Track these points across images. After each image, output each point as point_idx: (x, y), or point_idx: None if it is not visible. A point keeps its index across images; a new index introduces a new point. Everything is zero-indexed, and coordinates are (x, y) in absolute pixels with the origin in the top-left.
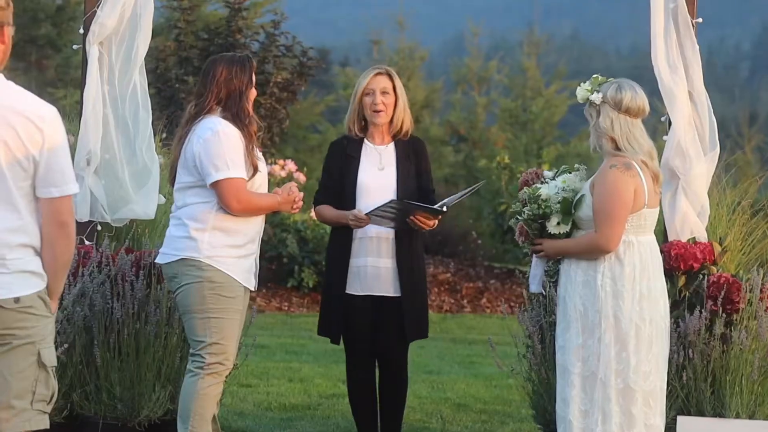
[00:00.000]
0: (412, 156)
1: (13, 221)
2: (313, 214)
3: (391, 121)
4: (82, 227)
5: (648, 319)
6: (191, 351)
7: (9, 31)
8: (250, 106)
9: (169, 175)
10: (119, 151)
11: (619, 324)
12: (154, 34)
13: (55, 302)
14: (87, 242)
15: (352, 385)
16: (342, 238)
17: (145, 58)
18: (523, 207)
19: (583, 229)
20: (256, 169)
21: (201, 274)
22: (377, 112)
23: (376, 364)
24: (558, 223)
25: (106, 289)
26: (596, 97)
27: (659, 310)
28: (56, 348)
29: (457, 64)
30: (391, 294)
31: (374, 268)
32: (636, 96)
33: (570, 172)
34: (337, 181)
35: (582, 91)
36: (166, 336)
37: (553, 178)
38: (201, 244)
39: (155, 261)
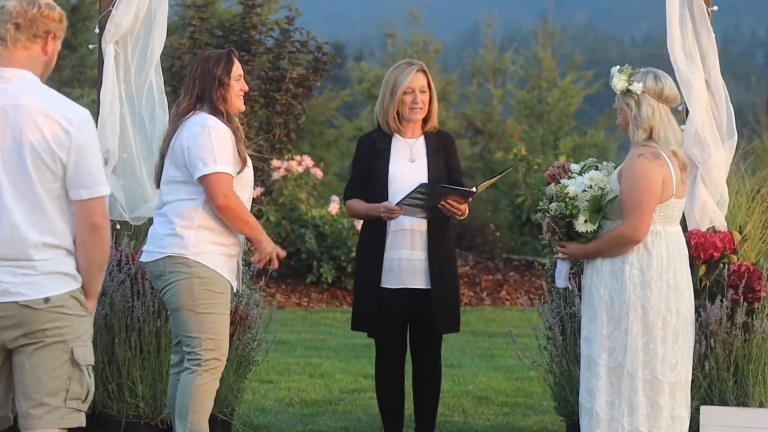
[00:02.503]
0: (441, 150)
1: (40, 222)
2: (331, 209)
3: (426, 116)
4: None
5: (675, 310)
6: (185, 349)
7: (53, 44)
8: (229, 103)
9: (155, 173)
10: (137, 150)
11: (647, 315)
12: (169, 32)
13: (92, 301)
14: None
15: (381, 380)
16: (375, 231)
17: (160, 56)
18: (550, 203)
19: (611, 219)
20: (245, 163)
21: (189, 270)
22: (417, 110)
23: (407, 358)
24: (585, 221)
25: (126, 288)
26: (637, 87)
27: (685, 301)
28: None
29: (472, 56)
30: (423, 287)
31: (408, 260)
32: (672, 85)
33: (596, 168)
34: (367, 174)
35: (620, 81)
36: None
37: (580, 173)
38: (187, 240)
39: (140, 260)
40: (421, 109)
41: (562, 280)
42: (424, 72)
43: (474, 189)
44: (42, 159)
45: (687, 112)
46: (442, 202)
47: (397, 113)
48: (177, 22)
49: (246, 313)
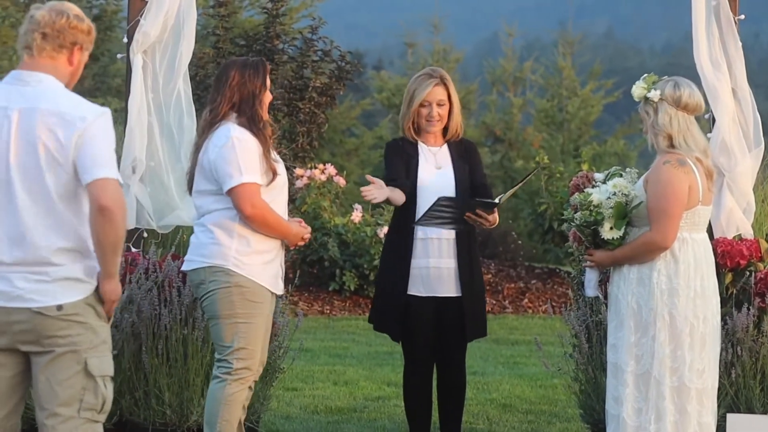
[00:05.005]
0: (465, 156)
1: (54, 226)
2: (354, 217)
3: (446, 126)
4: (128, 234)
5: (702, 317)
6: (217, 356)
7: (80, 55)
8: (264, 111)
9: (187, 183)
10: (164, 159)
11: (674, 322)
12: (194, 41)
13: (111, 281)
14: (134, 249)
15: (409, 387)
16: (402, 239)
17: None
18: (575, 213)
19: (636, 226)
20: (275, 174)
21: (229, 280)
22: (433, 122)
23: (434, 366)
24: (611, 228)
25: (154, 296)
26: (654, 95)
27: (712, 308)
28: None
29: (492, 66)
30: (453, 294)
31: (437, 269)
32: (693, 93)
33: (620, 175)
34: (401, 172)
35: (638, 89)
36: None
37: (604, 181)
38: (228, 250)
39: (181, 269)
40: (437, 122)
41: (591, 290)
42: (444, 84)
43: (497, 200)
44: (56, 160)
45: (713, 120)
46: (468, 214)
47: (414, 123)
48: (200, 32)
49: (272, 320)
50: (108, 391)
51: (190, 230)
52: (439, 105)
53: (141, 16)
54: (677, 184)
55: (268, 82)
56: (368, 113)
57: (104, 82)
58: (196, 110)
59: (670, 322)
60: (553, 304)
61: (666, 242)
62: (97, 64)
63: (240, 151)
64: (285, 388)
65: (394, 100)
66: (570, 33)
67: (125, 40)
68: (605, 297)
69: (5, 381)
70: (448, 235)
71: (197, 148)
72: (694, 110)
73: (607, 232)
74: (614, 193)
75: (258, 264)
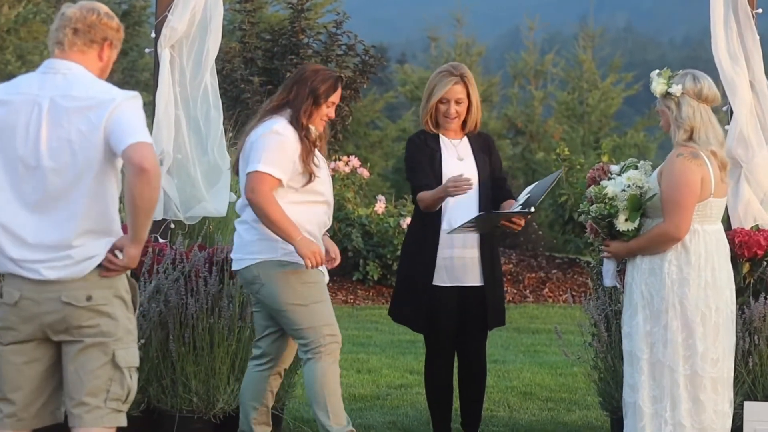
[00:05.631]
0: (485, 149)
1: (82, 209)
2: (377, 208)
3: (464, 122)
4: (156, 225)
5: (714, 306)
6: (301, 342)
7: (109, 52)
8: (308, 119)
9: (234, 166)
10: (191, 151)
11: (685, 311)
12: (223, 35)
13: (137, 247)
14: (161, 240)
15: (431, 376)
16: (426, 230)
17: None
18: (591, 205)
19: (651, 218)
20: (311, 177)
21: (283, 269)
22: (450, 119)
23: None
24: (626, 220)
25: (180, 286)
26: (677, 89)
27: (725, 298)
28: None
29: (514, 59)
30: (476, 284)
31: (461, 258)
32: (711, 85)
33: (635, 167)
34: (426, 168)
35: (659, 85)
36: (239, 330)
37: (620, 174)
38: (276, 243)
39: (232, 269)
40: (455, 118)
41: (609, 279)
42: (464, 82)
43: (532, 209)
44: (88, 142)
45: (731, 112)
46: (503, 222)
47: (433, 117)
48: (227, 27)
49: None
50: (133, 381)
51: (216, 221)
52: (458, 103)
53: (168, 11)
54: (690, 177)
55: (333, 98)
56: (392, 106)
57: (133, 76)
58: (223, 104)
59: (681, 311)
60: (573, 293)
61: (679, 233)
62: (126, 58)
63: (273, 143)
64: None
65: (417, 93)
66: (590, 26)
67: (153, 35)
68: (623, 287)
69: (41, 374)
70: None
71: (246, 133)
72: (713, 101)
73: (622, 223)
74: (629, 186)
75: None
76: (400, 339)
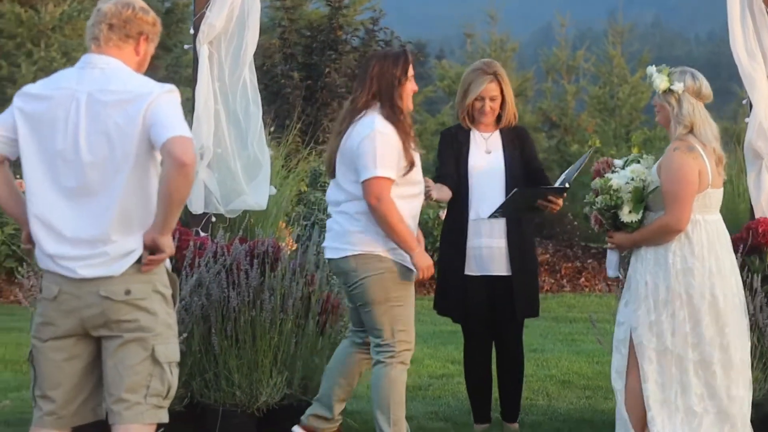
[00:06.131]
0: (516, 141)
1: (119, 203)
2: None
3: (498, 117)
4: (197, 219)
5: (720, 294)
6: (376, 341)
7: (146, 46)
8: (404, 101)
9: (327, 168)
10: (231, 145)
11: (691, 300)
12: (260, 32)
13: (167, 236)
14: (202, 233)
15: (469, 365)
16: (457, 221)
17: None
18: (596, 197)
19: (654, 211)
20: (411, 165)
21: (382, 266)
22: (485, 115)
23: (493, 344)
24: (630, 212)
25: (222, 279)
26: (679, 87)
27: (731, 286)
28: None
29: (546, 54)
30: (504, 273)
31: (488, 248)
32: (707, 84)
33: (638, 161)
34: (451, 166)
35: (663, 81)
36: (281, 322)
37: (623, 167)
38: (378, 237)
39: (327, 257)
40: (489, 114)
41: (612, 270)
42: (498, 80)
43: (567, 185)
44: (126, 135)
45: (751, 105)
46: (540, 202)
47: (469, 113)
48: (267, 24)
49: (337, 301)
50: (173, 377)
51: (256, 214)
52: (492, 99)
53: (207, 8)
54: (687, 169)
55: (410, 72)
56: (431, 100)
57: (177, 72)
58: (262, 99)
59: (687, 300)
60: (608, 282)
61: (680, 224)
62: (170, 55)
63: (380, 145)
64: None
65: (455, 88)
66: (620, 22)
67: (192, 31)
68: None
69: (80, 370)
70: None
71: (338, 134)
72: (707, 99)
73: (626, 215)
74: (632, 179)
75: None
76: (442, 329)
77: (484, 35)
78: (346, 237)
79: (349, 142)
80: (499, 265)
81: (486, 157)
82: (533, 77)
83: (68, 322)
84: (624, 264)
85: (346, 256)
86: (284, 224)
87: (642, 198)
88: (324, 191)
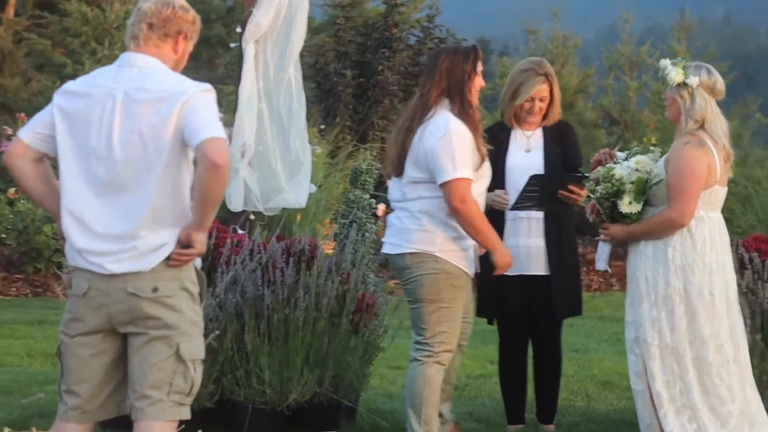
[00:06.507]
0: (558, 138)
1: (152, 201)
2: None
3: (544, 116)
4: (235, 217)
5: (718, 293)
6: (417, 338)
7: (184, 44)
8: (474, 97)
9: (394, 165)
10: (273, 143)
11: (689, 297)
12: (319, 30)
13: (202, 234)
14: (240, 231)
15: (503, 364)
16: (495, 220)
17: (305, 54)
18: (596, 186)
19: (655, 205)
20: (483, 159)
21: (437, 266)
22: (533, 114)
23: (529, 344)
24: (630, 203)
25: (257, 277)
26: (694, 80)
27: (729, 284)
28: (207, 335)
29: (610, 51)
30: (542, 273)
31: (526, 248)
32: (721, 80)
33: (642, 153)
34: (491, 164)
35: (678, 74)
36: (315, 321)
37: (626, 159)
38: (436, 237)
39: (383, 251)
40: (537, 115)
41: (602, 263)
42: (548, 81)
43: (584, 173)
44: (159, 134)
45: None
46: (561, 192)
47: (516, 114)
48: (322, 21)
49: (372, 300)
50: (197, 374)
51: (295, 212)
52: (542, 101)
53: (254, 7)
54: (696, 164)
55: (480, 67)
56: (489, 97)
57: (235, 70)
58: (314, 97)
59: (685, 296)
60: None
61: (683, 219)
62: (229, 53)
63: (456, 145)
64: (389, 367)
65: None
66: (688, 18)
67: (238, 29)
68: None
69: (106, 366)
70: (537, 214)
71: (407, 131)
72: (720, 95)
73: (626, 206)
74: (636, 170)
75: (460, 250)
76: (482, 328)
77: (547, 32)
78: (405, 234)
79: (423, 144)
80: (537, 265)
81: (524, 156)
82: (595, 73)
83: (96, 318)
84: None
85: (403, 253)
86: (330, 222)
87: (644, 189)
88: (364, 189)
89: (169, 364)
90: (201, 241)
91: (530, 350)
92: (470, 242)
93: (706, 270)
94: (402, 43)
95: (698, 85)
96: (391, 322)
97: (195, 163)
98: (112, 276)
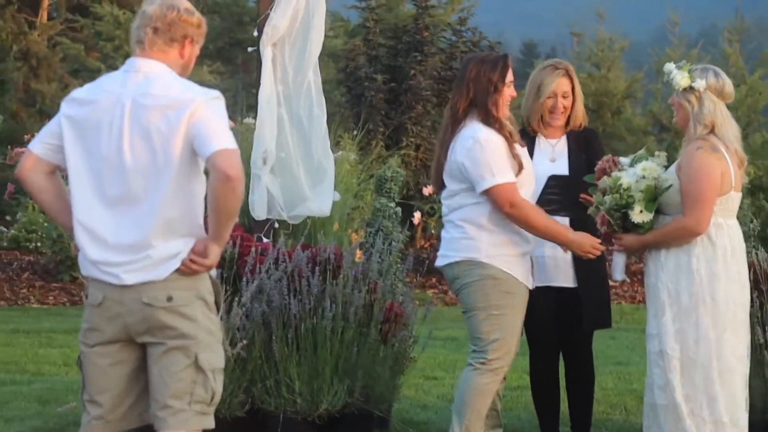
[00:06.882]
0: (583, 145)
1: (163, 210)
2: None
3: (568, 118)
4: (259, 225)
5: (740, 302)
6: (472, 347)
7: (191, 48)
8: (500, 109)
9: (435, 181)
10: (294, 149)
11: (717, 306)
12: (355, 33)
13: (219, 245)
14: (265, 239)
15: (535, 377)
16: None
17: (336, 58)
18: (604, 196)
19: (668, 214)
20: (521, 167)
21: (482, 272)
22: (556, 113)
23: (561, 356)
24: (641, 212)
25: (283, 286)
26: (700, 84)
27: (746, 293)
28: (234, 344)
29: (658, 54)
30: (569, 285)
31: (552, 258)
32: (730, 82)
33: (647, 159)
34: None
35: (683, 78)
36: (343, 330)
37: (631, 165)
38: (480, 243)
39: (436, 264)
40: (562, 113)
41: (619, 273)
42: (569, 76)
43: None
44: (168, 142)
45: None
46: (582, 196)
47: (541, 116)
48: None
49: (401, 309)
50: (218, 384)
51: (320, 221)
52: (564, 97)
53: (271, 9)
54: (710, 170)
55: (509, 78)
56: None
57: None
58: (346, 102)
59: (712, 306)
60: None
61: (699, 227)
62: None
63: (488, 152)
64: (425, 377)
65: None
66: (743, 20)
67: (255, 33)
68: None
69: (126, 376)
70: (563, 224)
71: (441, 146)
72: (729, 99)
73: (638, 215)
74: (643, 177)
75: (511, 255)
76: (523, 339)
77: (591, 34)
78: (451, 244)
79: (454, 156)
80: (564, 276)
81: (550, 166)
82: (644, 77)
83: (113, 328)
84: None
85: (450, 263)
86: (360, 231)
87: (654, 197)
88: (390, 197)
89: (188, 374)
90: (216, 253)
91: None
92: (523, 249)
93: (731, 279)
94: (434, 46)
95: (706, 89)
96: (421, 332)
97: (206, 172)
98: (127, 286)
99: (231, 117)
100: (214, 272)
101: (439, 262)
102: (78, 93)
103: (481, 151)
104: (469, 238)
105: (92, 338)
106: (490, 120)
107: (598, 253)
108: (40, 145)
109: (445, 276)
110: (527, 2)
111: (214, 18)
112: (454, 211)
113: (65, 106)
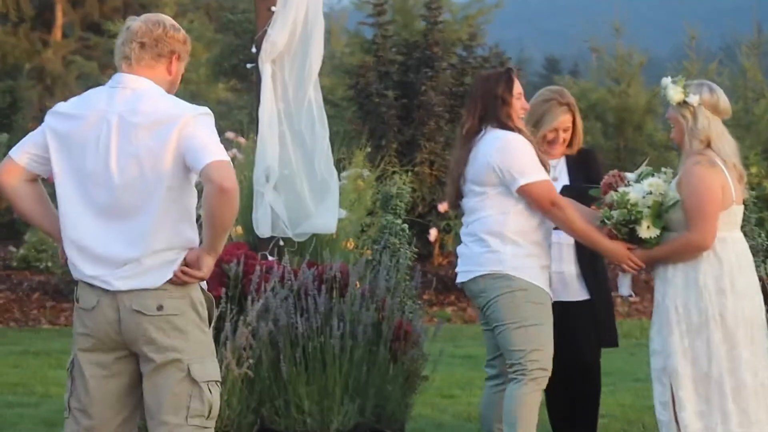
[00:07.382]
0: (582, 165)
1: (153, 226)
2: None
3: (569, 145)
4: (264, 243)
5: (749, 315)
6: (509, 362)
7: (177, 65)
8: (512, 120)
9: (451, 199)
10: (297, 166)
11: (726, 322)
12: (362, 50)
13: (213, 257)
14: (270, 257)
15: (547, 393)
16: None
17: (346, 74)
18: (611, 210)
19: (674, 230)
20: (547, 168)
21: (509, 284)
22: (555, 146)
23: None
24: (648, 227)
25: (290, 304)
26: (694, 99)
27: (756, 305)
28: (241, 363)
29: (678, 69)
30: (577, 299)
31: (558, 273)
32: (725, 98)
33: (653, 174)
34: None
35: (677, 93)
36: (351, 349)
37: (638, 181)
38: (504, 255)
39: (458, 281)
40: (560, 146)
41: (626, 288)
42: (571, 111)
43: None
44: (157, 157)
45: None
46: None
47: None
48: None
49: (410, 327)
50: (214, 396)
51: (325, 238)
52: (565, 131)
53: (268, 26)
54: (709, 183)
55: (517, 90)
56: None
57: None
58: (358, 118)
59: (722, 322)
60: None
61: (705, 242)
62: None
63: (521, 150)
64: (442, 396)
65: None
66: (760, 34)
67: (254, 49)
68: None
69: (121, 389)
70: (568, 240)
71: (457, 163)
72: (725, 114)
73: (645, 230)
74: (650, 192)
75: (535, 267)
76: None
77: (609, 49)
78: (473, 258)
79: (478, 162)
80: (571, 291)
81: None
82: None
83: (103, 333)
84: (639, 283)
85: (475, 278)
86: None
87: (660, 213)
88: (395, 214)
89: (183, 388)
90: (209, 264)
91: None
92: (544, 263)
93: (738, 293)
94: (444, 62)
95: (700, 104)
96: (433, 350)
97: (196, 186)
98: (119, 293)
99: (245, 134)
100: (204, 285)
101: (462, 278)
102: (63, 107)
103: (513, 148)
104: (494, 252)
105: (85, 343)
106: (509, 127)
107: (635, 267)
108: (24, 155)
109: (469, 291)
110: (550, 19)
111: (228, 35)
112: (473, 224)
113: (50, 119)
